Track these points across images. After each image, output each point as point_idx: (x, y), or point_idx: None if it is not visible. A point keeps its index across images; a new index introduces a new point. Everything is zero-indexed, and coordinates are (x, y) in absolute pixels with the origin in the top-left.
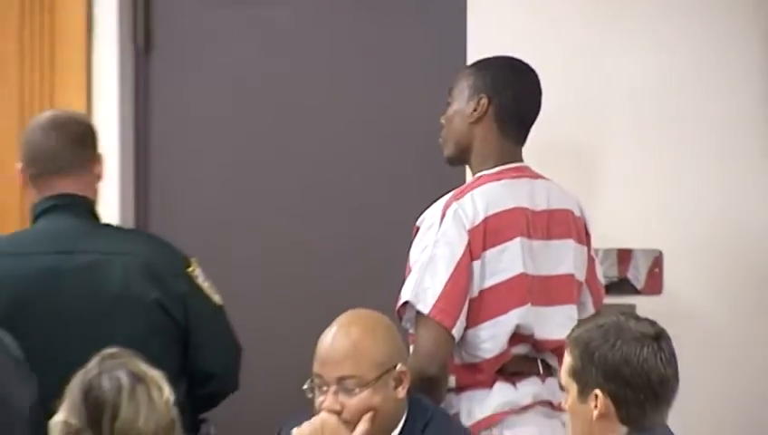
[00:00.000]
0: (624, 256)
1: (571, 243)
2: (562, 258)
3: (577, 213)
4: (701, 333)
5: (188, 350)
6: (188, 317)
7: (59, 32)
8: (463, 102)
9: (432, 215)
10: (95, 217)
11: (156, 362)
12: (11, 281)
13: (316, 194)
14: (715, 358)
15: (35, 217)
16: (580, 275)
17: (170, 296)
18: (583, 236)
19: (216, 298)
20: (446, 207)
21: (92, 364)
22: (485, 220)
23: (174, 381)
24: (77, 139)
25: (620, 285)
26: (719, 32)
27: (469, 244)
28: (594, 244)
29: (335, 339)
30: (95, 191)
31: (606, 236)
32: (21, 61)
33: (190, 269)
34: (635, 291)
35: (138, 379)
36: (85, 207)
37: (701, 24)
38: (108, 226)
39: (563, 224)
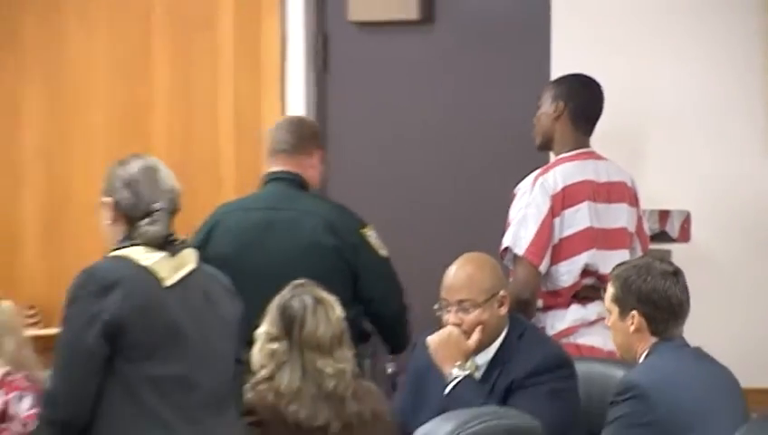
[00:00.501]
0: (663, 215)
1: (624, 206)
2: (619, 217)
3: (629, 184)
4: (718, 270)
5: (357, 283)
6: (358, 262)
7: (264, 58)
8: (547, 106)
9: (525, 185)
10: (302, 188)
11: (333, 290)
12: (238, 229)
13: (450, 174)
14: (731, 290)
15: (263, 185)
16: (632, 229)
17: (345, 245)
18: (634, 201)
19: (383, 252)
20: (535, 179)
21: (287, 291)
22: (563, 189)
23: (345, 304)
24: (297, 131)
25: (660, 236)
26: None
27: (551, 206)
28: (642, 206)
29: (456, 273)
30: (311, 172)
31: (651, 200)
32: (237, 80)
33: (364, 230)
34: (671, 240)
35: (318, 301)
36: (295, 181)
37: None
38: (308, 194)
39: (619, 192)
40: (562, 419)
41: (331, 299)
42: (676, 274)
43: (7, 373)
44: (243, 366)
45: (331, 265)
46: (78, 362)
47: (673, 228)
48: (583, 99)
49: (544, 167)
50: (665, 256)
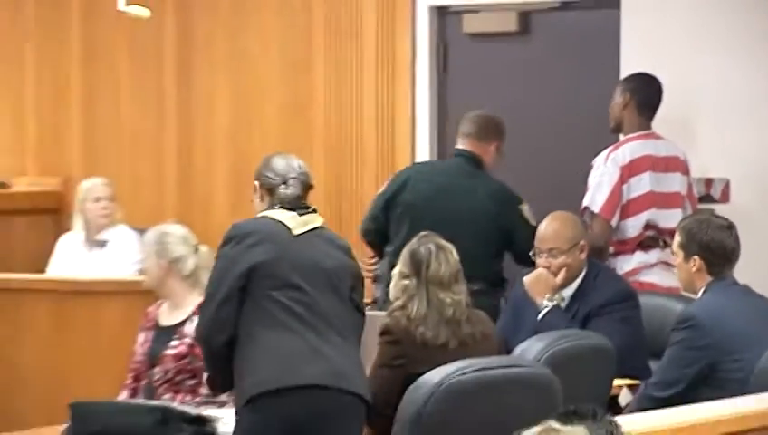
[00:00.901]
0: (708, 182)
1: (678, 175)
2: (673, 183)
3: (682, 158)
4: (754, 227)
5: (512, 243)
6: (513, 228)
7: (398, 62)
8: (618, 98)
9: (600, 159)
10: (478, 166)
11: (488, 245)
12: (425, 185)
13: (544, 152)
14: (763, 243)
15: (452, 157)
16: (684, 192)
17: (504, 214)
18: (685, 171)
19: (532, 222)
20: (608, 154)
21: (415, 240)
22: (630, 162)
23: (494, 257)
24: (481, 123)
25: (706, 198)
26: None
27: (621, 175)
28: (692, 174)
29: (546, 227)
30: (487, 157)
31: (699, 169)
32: (377, 80)
33: (521, 205)
34: (714, 201)
35: (439, 248)
36: (474, 159)
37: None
38: (482, 171)
39: (674, 164)
40: (630, 340)
41: (449, 246)
42: (730, 227)
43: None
44: (361, 313)
45: (490, 226)
46: (222, 291)
47: (716, 192)
48: (645, 92)
49: (615, 144)
50: (714, 214)
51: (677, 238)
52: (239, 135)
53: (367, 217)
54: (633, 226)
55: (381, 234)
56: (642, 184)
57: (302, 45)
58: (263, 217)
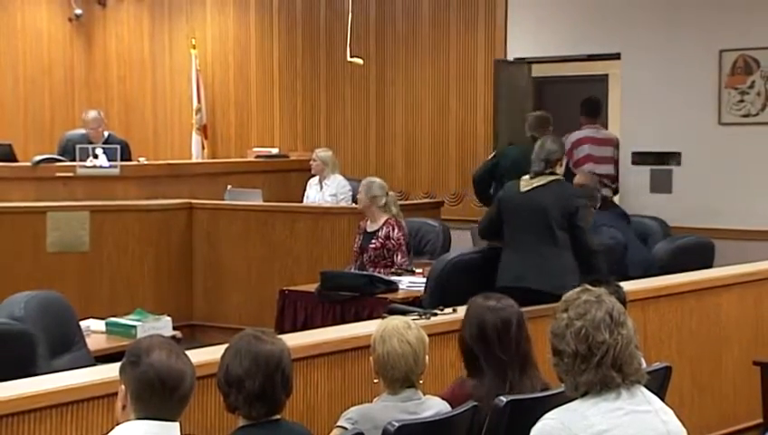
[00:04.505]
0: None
1: (611, 148)
2: (606, 151)
3: (613, 138)
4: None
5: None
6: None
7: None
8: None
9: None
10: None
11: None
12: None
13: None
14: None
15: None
16: (614, 157)
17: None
18: (616, 145)
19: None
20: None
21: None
22: (576, 140)
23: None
24: (535, 121)
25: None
26: None
27: (570, 148)
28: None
29: None
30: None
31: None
32: (485, 105)
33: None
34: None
35: None
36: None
37: None
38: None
39: (607, 141)
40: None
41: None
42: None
43: (388, 220)
44: (580, 229)
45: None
46: (485, 218)
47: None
48: (588, 106)
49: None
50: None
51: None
52: (407, 130)
53: None
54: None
55: None
56: (582, 151)
57: (443, 81)
58: (516, 180)
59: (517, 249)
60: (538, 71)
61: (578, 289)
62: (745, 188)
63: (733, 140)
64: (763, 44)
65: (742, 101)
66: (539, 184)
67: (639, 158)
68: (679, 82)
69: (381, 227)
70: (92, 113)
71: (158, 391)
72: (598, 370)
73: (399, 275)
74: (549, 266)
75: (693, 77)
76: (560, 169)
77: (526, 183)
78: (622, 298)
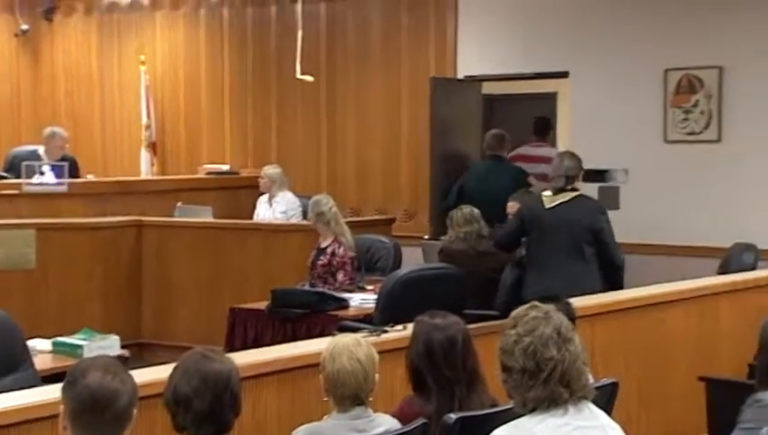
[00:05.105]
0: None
1: (545, 165)
2: (537, 168)
3: (548, 156)
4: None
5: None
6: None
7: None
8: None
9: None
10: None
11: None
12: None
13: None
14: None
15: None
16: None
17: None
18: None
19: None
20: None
21: None
22: (510, 158)
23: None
24: (493, 139)
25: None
26: None
27: (512, 158)
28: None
29: None
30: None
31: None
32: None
33: (604, 215)
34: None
35: None
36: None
37: None
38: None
39: (542, 159)
40: None
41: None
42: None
43: (335, 238)
44: (606, 245)
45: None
46: (505, 229)
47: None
48: (536, 125)
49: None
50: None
51: None
52: (359, 147)
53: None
54: None
55: None
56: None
57: (394, 97)
58: (539, 196)
59: (545, 266)
60: (488, 88)
61: (526, 305)
62: (690, 204)
63: (678, 157)
64: (706, 63)
65: (686, 119)
66: (563, 200)
67: (587, 175)
68: (626, 101)
69: (330, 244)
70: (59, 130)
71: (90, 410)
72: (546, 386)
73: (351, 291)
74: (576, 281)
75: (639, 96)
76: (578, 184)
77: (549, 199)
78: (571, 315)
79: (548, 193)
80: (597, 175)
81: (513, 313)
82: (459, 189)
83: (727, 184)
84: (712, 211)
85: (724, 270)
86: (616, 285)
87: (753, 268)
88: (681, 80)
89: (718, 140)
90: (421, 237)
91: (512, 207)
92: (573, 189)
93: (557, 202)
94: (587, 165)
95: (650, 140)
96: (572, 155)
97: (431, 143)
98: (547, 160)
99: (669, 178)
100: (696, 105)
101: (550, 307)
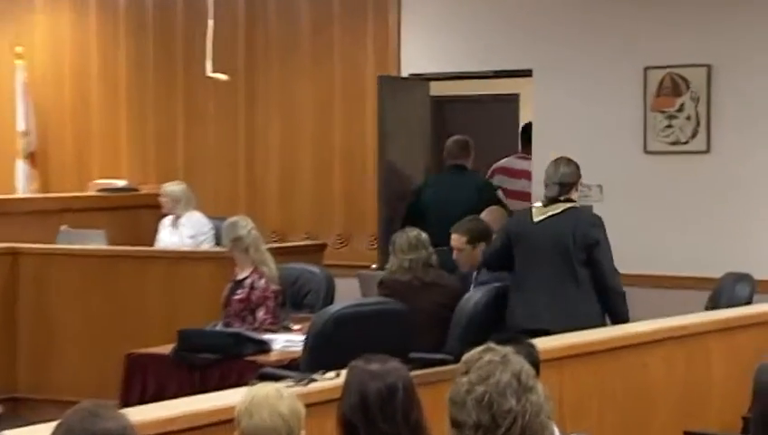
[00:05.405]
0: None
1: (527, 181)
2: (517, 184)
3: (529, 170)
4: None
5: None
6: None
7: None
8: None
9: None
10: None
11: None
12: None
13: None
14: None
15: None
16: (528, 190)
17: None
18: (529, 178)
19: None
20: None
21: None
22: (492, 170)
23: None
24: (456, 147)
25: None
26: None
27: (493, 171)
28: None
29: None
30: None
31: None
32: (346, 118)
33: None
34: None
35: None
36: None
37: None
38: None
39: (522, 174)
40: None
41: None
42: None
43: (255, 268)
44: (599, 265)
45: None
46: (491, 248)
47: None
48: (521, 138)
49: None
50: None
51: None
52: (284, 159)
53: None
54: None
55: None
56: (495, 183)
57: (326, 99)
58: (529, 208)
59: (530, 288)
60: (437, 89)
61: (480, 348)
62: (674, 227)
63: (660, 171)
64: (692, 61)
65: (670, 126)
66: (554, 213)
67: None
68: (599, 104)
69: (249, 276)
70: None
71: None
72: None
73: (273, 332)
74: (570, 308)
75: (614, 98)
76: (575, 195)
77: (539, 211)
78: (534, 358)
79: (538, 204)
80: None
81: (465, 356)
82: (410, 207)
83: (718, 203)
84: (700, 235)
85: (714, 305)
86: (619, 316)
87: (748, 302)
88: (663, 79)
89: (707, 151)
90: (359, 266)
91: (456, 240)
92: (568, 200)
93: (547, 214)
94: None
95: (628, 150)
96: (569, 161)
97: (378, 153)
98: (530, 176)
99: (650, 196)
100: (681, 109)
101: (508, 350)
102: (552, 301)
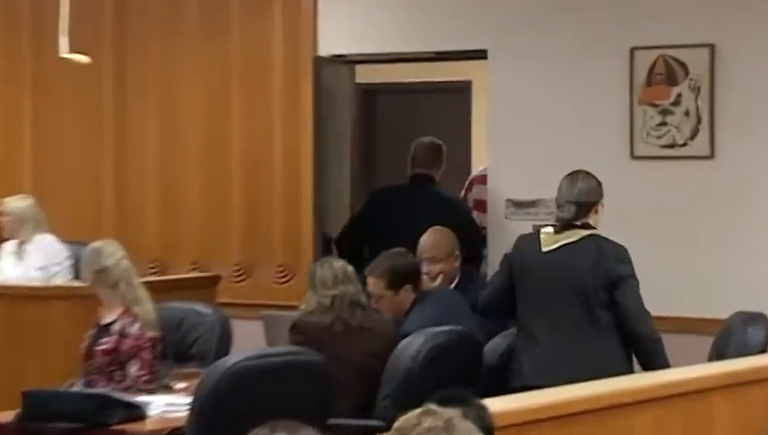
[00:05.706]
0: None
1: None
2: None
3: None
4: None
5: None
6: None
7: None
8: None
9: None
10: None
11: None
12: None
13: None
14: None
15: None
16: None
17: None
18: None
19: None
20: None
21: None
22: (471, 179)
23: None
24: (426, 152)
25: None
26: None
27: (465, 190)
28: None
29: (426, 238)
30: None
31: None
32: (283, 123)
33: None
34: None
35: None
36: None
37: None
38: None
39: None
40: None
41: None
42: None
43: (126, 309)
44: (624, 309)
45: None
46: (489, 287)
47: None
48: None
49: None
50: None
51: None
52: (165, 167)
53: None
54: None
55: None
56: (476, 193)
57: (221, 90)
58: (538, 232)
59: (540, 336)
60: (365, 74)
61: (418, 411)
62: (670, 253)
63: (651, 181)
64: (691, 40)
65: (663, 123)
66: (568, 241)
67: (516, 208)
68: (572, 95)
69: (118, 319)
70: None
71: None
72: None
73: (150, 392)
74: (592, 363)
75: (593, 87)
76: (594, 218)
77: (549, 238)
78: (487, 424)
79: (548, 230)
80: (527, 206)
81: (399, 422)
82: (348, 231)
83: (723, 222)
84: (701, 263)
85: (719, 353)
86: (653, 362)
87: (762, 350)
88: (655, 63)
89: (710, 156)
90: (264, 305)
91: (374, 284)
92: (586, 226)
93: (560, 243)
94: (511, 192)
95: (609, 155)
96: (588, 174)
97: (314, 153)
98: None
99: (636, 213)
100: (677, 102)
101: (453, 413)
102: (564, 353)
